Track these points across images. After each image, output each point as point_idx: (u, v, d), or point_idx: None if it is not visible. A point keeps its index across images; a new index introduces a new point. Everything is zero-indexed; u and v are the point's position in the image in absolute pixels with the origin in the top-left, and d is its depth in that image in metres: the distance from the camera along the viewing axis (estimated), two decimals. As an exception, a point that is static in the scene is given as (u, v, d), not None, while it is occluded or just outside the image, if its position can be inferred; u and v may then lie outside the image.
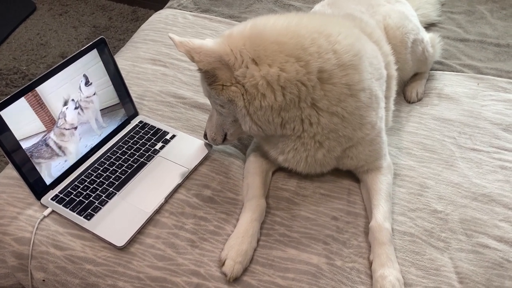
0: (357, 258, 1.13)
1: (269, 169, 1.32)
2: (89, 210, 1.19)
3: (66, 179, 1.27)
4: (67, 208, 1.20)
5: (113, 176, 1.28)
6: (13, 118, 1.14)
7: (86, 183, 1.26)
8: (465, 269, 1.11)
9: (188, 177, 1.30)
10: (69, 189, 1.24)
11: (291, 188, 1.29)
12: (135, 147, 1.37)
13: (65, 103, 1.25)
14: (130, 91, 1.45)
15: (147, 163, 1.33)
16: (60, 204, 1.20)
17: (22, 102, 1.16)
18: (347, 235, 1.18)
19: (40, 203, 1.22)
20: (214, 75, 1.09)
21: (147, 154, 1.35)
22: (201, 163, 1.34)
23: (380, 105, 1.24)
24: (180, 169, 1.31)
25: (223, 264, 1.08)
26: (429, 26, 2.03)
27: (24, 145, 1.17)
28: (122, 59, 1.74)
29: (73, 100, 1.27)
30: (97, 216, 1.18)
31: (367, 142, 1.22)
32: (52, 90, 1.22)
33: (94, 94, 1.33)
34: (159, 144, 1.38)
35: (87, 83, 1.31)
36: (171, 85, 1.62)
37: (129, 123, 1.45)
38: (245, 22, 1.18)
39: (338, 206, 1.25)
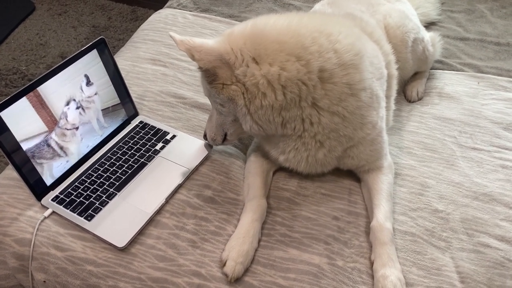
0: (358, 258, 1.13)
1: (270, 169, 1.32)
2: (89, 211, 1.19)
3: (67, 180, 1.27)
4: (67, 209, 1.19)
5: (114, 177, 1.28)
6: (14, 118, 1.14)
7: (86, 184, 1.26)
8: (466, 269, 1.11)
9: (188, 177, 1.29)
10: (69, 190, 1.24)
11: (292, 188, 1.29)
12: (136, 147, 1.37)
13: (67, 103, 1.25)
14: (130, 91, 1.45)
15: (147, 164, 1.32)
16: (60, 205, 1.20)
17: (23, 102, 1.16)
18: (348, 235, 1.18)
19: (41, 204, 1.21)
20: (214, 73, 1.09)
21: (147, 154, 1.35)
22: (201, 163, 1.34)
23: (381, 105, 1.24)
24: (180, 169, 1.31)
25: (224, 264, 1.08)
26: (429, 25, 2.03)
27: (26, 145, 1.17)
28: (122, 59, 1.73)
29: (74, 100, 1.27)
30: (97, 217, 1.18)
31: (368, 142, 1.22)
32: (54, 90, 1.22)
33: (96, 94, 1.33)
34: (160, 145, 1.38)
35: (88, 83, 1.30)
36: (171, 85, 1.62)
37: (129, 123, 1.45)
38: (246, 21, 1.18)
39: (339, 206, 1.24)
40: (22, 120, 1.16)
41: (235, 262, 1.07)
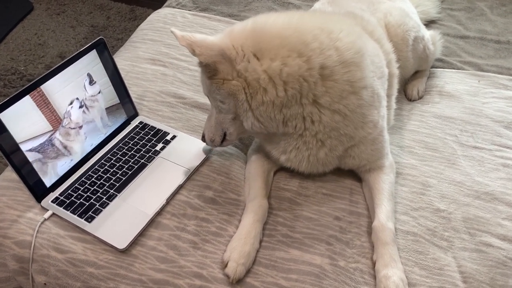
0: (360, 258, 1.12)
1: (271, 169, 1.31)
2: (90, 213, 1.18)
3: (67, 181, 1.26)
4: (67, 210, 1.19)
5: (114, 178, 1.27)
6: (15, 119, 1.13)
7: (86, 185, 1.25)
8: (468, 268, 1.11)
9: (189, 178, 1.29)
10: (69, 191, 1.24)
11: (293, 188, 1.29)
12: (136, 148, 1.36)
13: (71, 103, 1.25)
14: (130, 92, 1.44)
15: (147, 164, 1.32)
16: (60, 206, 1.20)
17: (28, 102, 1.16)
18: (350, 235, 1.17)
19: (41, 205, 1.21)
20: (215, 68, 1.08)
21: (147, 155, 1.34)
22: (202, 163, 1.33)
23: (382, 104, 1.24)
24: (181, 170, 1.30)
25: (226, 266, 1.07)
26: (429, 23, 2.02)
27: (30, 145, 1.17)
28: (121, 59, 1.73)
29: (77, 99, 1.27)
30: (98, 219, 1.17)
31: (369, 141, 1.21)
32: (57, 90, 1.22)
33: (99, 92, 1.33)
34: (160, 145, 1.37)
35: (92, 81, 1.30)
36: (171, 85, 1.61)
37: (129, 124, 1.44)
38: (246, 20, 1.17)
39: (341, 206, 1.24)
40: (26, 120, 1.16)
41: (236, 263, 1.06)
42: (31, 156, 1.17)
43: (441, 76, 1.74)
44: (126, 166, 1.30)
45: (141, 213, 1.18)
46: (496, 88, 1.67)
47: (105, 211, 1.19)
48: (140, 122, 1.45)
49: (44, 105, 1.19)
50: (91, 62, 1.30)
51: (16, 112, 1.13)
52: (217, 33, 1.16)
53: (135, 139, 1.39)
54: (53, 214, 1.19)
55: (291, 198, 1.26)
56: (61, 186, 1.25)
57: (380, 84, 1.22)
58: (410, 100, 1.65)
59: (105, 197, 1.22)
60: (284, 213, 1.22)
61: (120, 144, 1.37)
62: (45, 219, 1.18)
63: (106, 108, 1.36)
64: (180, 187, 1.26)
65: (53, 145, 1.22)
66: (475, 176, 1.34)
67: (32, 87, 1.16)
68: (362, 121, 1.16)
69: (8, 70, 2.68)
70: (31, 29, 3.04)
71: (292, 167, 1.24)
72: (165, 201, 1.21)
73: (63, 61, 1.24)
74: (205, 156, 1.34)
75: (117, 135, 1.40)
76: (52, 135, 1.22)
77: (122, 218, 1.18)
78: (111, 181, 1.26)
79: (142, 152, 1.35)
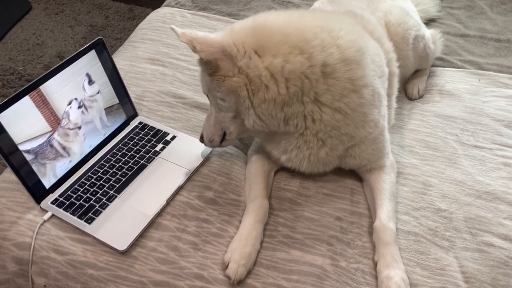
0: (361, 259, 1.12)
1: (271, 169, 1.31)
2: (89, 214, 1.17)
3: (66, 182, 1.26)
4: (67, 212, 1.18)
5: (114, 179, 1.26)
6: (15, 120, 1.12)
7: (86, 186, 1.24)
8: (470, 269, 1.11)
9: (189, 178, 1.28)
10: (69, 192, 1.23)
11: (293, 189, 1.28)
12: (135, 148, 1.35)
13: (69, 103, 1.24)
14: (129, 92, 1.44)
15: (147, 165, 1.31)
16: (60, 208, 1.19)
17: (27, 102, 1.15)
18: (351, 235, 1.17)
19: (40, 207, 1.20)
20: (216, 65, 1.07)
21: (147, 155, 1.33)
22: (202, 164, 1.32)
23: (383, 103, 1.23)
24: (181, 170, 1.29)
25: (227, 267, 1.07)
26: (428, 21, 2.01)
27: (28, 146, 1.16)
28: (120, 59, 1.72)
29: (76, 99, 1.26)
30: (98, 220, 1.16)
31: (369, 141, 1.21)
32: (56, 90, 1.21)
33: (98, 92, 1.32)
34: (160, 145, 1.37)
35: (90, 81, 1.29)
36: (171, 85, 1.61)
37: (129, 124, 1.44)
38: (246, 18, 1.17)
39: (342, 206, 1.23)
40: (26, 121, 1.15)
41: (237, 264, 1.06)
42: (29, 157, 1.16)
43: (442, 75, 1.74)
44: (126, 167, 1.30)
45: (141, 214, 1.18)
46: (497, 87, 1.66)
47: (105, 212, 1.18)
48: (140, 123, 1.44)
49: (44, 105, 1.19)
50: (90, 62, 1.29)
51: (16, 112, 1.13)
52: (217, 31, 1.16)
53: (135, 140, 1.38)
54: (53, 215, 1.18)
55: (292, 198, 1.26)
56: (60, 187, 1.24)
57: (380, 83, 1.21)
58: (411, 99, 1.65)
59: (105, 198, 1.21)
60: (285, 213, 1.21)
61: (120, 145, 1.36)
62: (44, 221, 1.17)
63: (105, 109, 1.36)
64: (180, 187, 1.25)
65: (51, 146, 1.21)
66: (476, 175, 1.33)
67: (31, 87, 1.16)
68: (363, 120, 1.15)
69: (6, 70, 2.67)
70: (30, 29, 3.03)
71: (293, 167, 1.24)
72: (165, 202, 1.21)
73: (62, 61, 1.24)
74: (205, 156, 1.33)
75: (116, 135, 1.39)
76: (50, 136, 1.21)
77: (122, 219, 1.17)
78: (111, 182, 1.26)
79: (141, 152, 1.34)
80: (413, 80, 1.68)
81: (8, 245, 1.14)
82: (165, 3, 2.14)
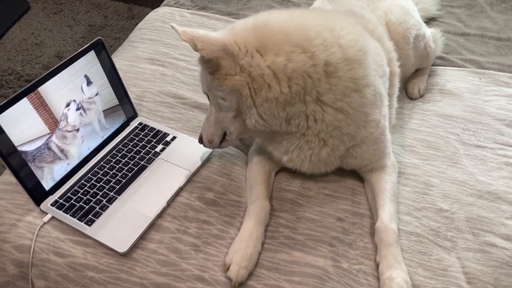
0: (363, 260, 1.11)
1: (272, 169, 1.30)
2: (89, 216, 1.17)
3: (66, 184, 1.25)
4: (67, 214, 1.17)
5: (114, 180, 1.26)
6: (13, 121, 1.11)
7: (86, 188, 1.24)
8: (472, 269, 1.10)
9: (190, 179, 1.27)
10: (68, 194, 1.22)
11: (294, 189, 1.28)
12: (135, 149, 1.35)
13: (67, 105, 1.23)
14: (129, 92, 1.43)
15: (147, 166, 1.30)
16: (60, 210, 1.18)
17: (25, 104, 1.14)
18: (352, 236, 1.16)
19: (40, 209, 1.19)
20: (217, 64, 1.06)
21: (147, 156, 1.33)
22: (202, 165, 1.32)
23: (384, 103, 1.22)
24: (181, 171, 1.29)
25: (228, 269, 1.06)
26: (429, 20, 2.01)
27: (26, 149, 1.15)
28: (120, 59, 1.71)
29: (74, 101, 1.25)
30: (98, 222, 1.16)
31: (371, 141, 1.20)
32: (55, 92, 1.20)
33: (97, 94, 1.31)
34: (160, 146, 1.36)
35: (89, 83, 1.28)
36: (170, 85, 1.60)
37: (128, 125, 1.43)
38: (247, 17, 1.16)
39: (343, 207, 1.23)
40: (24, 123, 1.14)
41: (239, 266, 1.05)
42: (27, 160, 1.16)
43: (442, 74, 1.73)
44: (126, 168, 1.29)
45: (141, 215, 1.17)
46: (498, 86, 1.66)
47: (105, 214, 1.18)
48: (140, 123, 1.43)
49: (42, 107, 1.18)
50: (88, 63, 1.28)
51: (14, 114, 1.12)
52: (217, 31, 1.15)
53: (135, 141, 1.37)
54: (53, 217, 1.18)
55: (293, 199, 1.25)
56: (60, 189, 1.23)
57: (381, 83, 1.21)
58: (411, 98, 1.64)
59: (105, 200, 1.21)
60: (286, 214, 1.21)
61: (120, 146, 1.36)
62: (44, 223, 1.16)
63: (104, 111, 1.34)
64: (181, 189, 1.25)
65: (49, 148, 1.20)
66: (478, 175, 1.33)
67: (29, 89, 1.15)
68: (364, 120, 1.14)
69: (5, 70, 2.66)
70: (28, 29, 3.02)
71: (294, 167, 1.23)
72: (165, 203, 1.20)
73: (61, 62, 1.22)
74: (205, 157, 1.32)
75: (116, 136, 1.38)
76: (48, 138, 1.20)
77: (123, 221, 1.16)
78: (111, 183, 1.25)
79: (142, 153, 1.33)
80: (413, 80, 1.67)
81: (8, 247, 1.13)
82: (164, 2, 2.13)
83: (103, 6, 3.24)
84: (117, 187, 1.24)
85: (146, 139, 1.38)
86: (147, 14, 2.07)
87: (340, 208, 1.23)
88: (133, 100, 1.45)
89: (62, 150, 1.23)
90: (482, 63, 1.78)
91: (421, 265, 1.11)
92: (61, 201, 1.20)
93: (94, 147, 1.33)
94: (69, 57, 1.24)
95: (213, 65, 1.06)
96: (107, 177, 1.27)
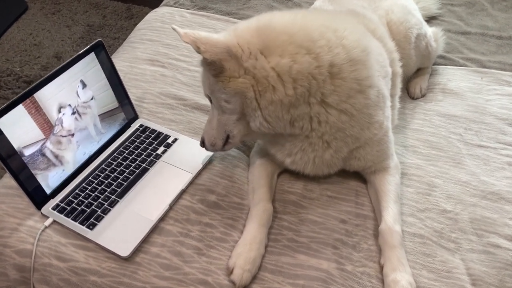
0: (367, 262, 1.11)
1: (274, 171, 1.29)
2: (91, 219, 1.16)
3: (67, 187, 1.24)
4: (68, 217, 1.16)
5: (115, 183, 1.25)
6: (11, 126, 1.10)
7: (87, 191, 1.23)
8: (477, 271, 1.10)
9: (192, 182, 1.26)
10: (70, 197, 1.21)
11: (297, 191, 1.27)
12: (136, 152, 1.34)
13: (60, 109, 1.21)
14: (129, 94, 1.42)
15: (149, 169, 1.29)
16: (61, 213, 1.17)
17: (20, 109, 1.12)
18: (356, 238, 1.16)
19: (41, 213, 1.18)
20: (220, 66, 1.04)
21: (149, 159, 1.32)
22: (204, 167, 1.31)
23: (387, 104, 1.22)
24: (183, 174, 1.28)
25: (231, 272, 1.06)
26: (429, 19, 1.99)
27: (25, 153, 1.14)
28: (119, 60, 1.70)
29: (69, 105, 1.23)
30: (100, 226, 1.15)
31: (374, 143, 1.19)
32: (50, 96, 1.18)
33: (92, 99, 1.30)
34: (161, 149, 1.35)
35: (84, 87, 1.27)
36: (171, 86, 1.59)
37: (129, 127, 1.42)
38: (249, 19, 1.15)
39: (346, 209, 1.22)
40: (20, 128, 1.12)
41: (242, 270, 1.05)
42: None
43: (444, 73, 1.73)
44: (127, 171, 1.28)
45: (143, 219, 1.16)
46: (499, 85, 1.65)
47: (107, 217, 1.17)
48: (141, 125, 1.42)
49: (37, 112, 1.15)
50: (86, 65, 1.26)
51: (11, 119, 1.10)
52: (217, 32, 1.14)
53: (136, 143, 1.36)
54: (54, 221, 1.17)
55: (296, 201, 1.24)
56: (61, 193, 1.22)
57: (384, 83, 1.20)
58: (413, 98, 1.63)
59: (106, 203, 1.20)
60: (289, 216, 1.20)
61: (121, 148, 1.35)
62: (45, 227, 1.15)
63: (100, 115, 1.32)
64: (183, 191, 1.24)
65: (43, 155, 1.18)
66: (481, 175, 1.32)
67: (27, 94, 1.13)
68: (368, 122, 1.14)
69: (3, 71, 2.64)
70: (26, 29, 3.00)
71: (297, 169, 1.22)
72: (168, 206, 1.19)
73: (60, 66, 1.20)
74: (207, 159, 1.32)
75: (115, 140, 1.37)
76: (43, 144, 1.17)
77: (125, 225, 1.15)
78: (112, 186, 1.24)
79: (143, 156, 1.32)
80: (415, 79, 1.66)
81: (9, 252, 1.12)
82: (163, 2, 2.12)
83: (102, 6, 3.22)
84: (119, 190, 1.23)
85: (147, 141, 1.37)
86: (146, 13, 2.06)
87: (343, 210, 1.22)
88: (133, 102, 1.44)
89: (56, 156, 1.21)
90: (484, 62, 1.77)
91: (425, 267, 1.10)
92: (62, 204, 1.19)
93: (91, 153, 1.30)
94: (68, 60, 1.22)
95: (216, 68, 1.04)
96: (109, 180, 1.26)
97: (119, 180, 1.26)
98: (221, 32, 1.11)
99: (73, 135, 1.25)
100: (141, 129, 1.41)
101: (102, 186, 1.24)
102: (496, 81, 1.67)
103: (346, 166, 1.25)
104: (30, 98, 1.14)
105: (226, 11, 2.03)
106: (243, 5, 2.08)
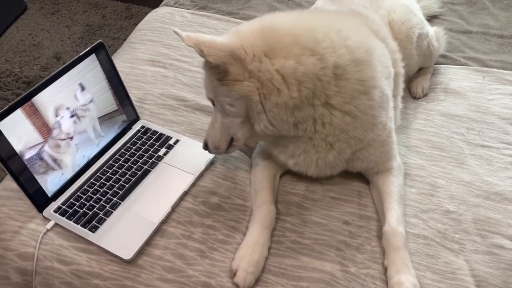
0: (371, 264, 1.10)
1: (277, 172, 1.28)
2: (93, 222, 1.15)
3: (68, 190, 1.23)
4: (70, 220, 1.16)
5: (117, 185, 1.24)
6: (11, 128, 1.09)
7: (89, 193, 1.22)
8: (481, 272, 1.09)
9: (194, 184, 1.26)
10: (71, 200, 1.20)
11: (300, 192, 1.26)
12: (138, 153, 1.33)
13: (57, 112, 1.19)
14: (130, 95, 1.41)
15: (151, 170, 1.29)
16: (63, 216, 1.17)
17: (18, 114, 1.11)
18: (360, 240, 1.15)
19: (42, 216, 1.18)
20: (224, 70, 1.03)
21: (150, 160, 1.31)
22: (206, 168, 1.30)
23: (390, 105, 1.21)
24: (185, 175, 1.27)
25: (235, 275, 1.05)
26: (430, 18, 1.99)
27: (25, 156, 1.13)
28: (120, 61, 1.69)
29: (68, 108, 1.22)
30: (102, 228, 1.14)
31: (378, 144, 1.19)
32: (49, 99, 1.17)
33: (91, 101, 1.28)
34: (163, 150, 1.34)
35: (83, 90, 1.25)
36: (172, 87, 1.58)
37: (131, 128, 1.41)
38: (251, 20, 1.14)
39: (349, 210, 1.22)
40: (18, 131, 1.11)
41: (246, 272, 1.04)
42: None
43: (445, 73, 1.72)
44: (129, 173, 1.27)
45: (146, 221, 1.15)
46: (501, 84, 1.64)
47: (109, 220, 1.16)
48: (142, 127, 1.41)
49: (34, 115, 1.14)
50: (86, 67, 1.25)
51: (10, 122, 1.10)
52: (217, 32, 1.13)
53: (137, 144, 1.36)
54: (56, 224, 1.16)
55: (299, 202, 1.24)
56: (63, 195, 1.22)
57: (387, 84, 1.20)
58: (415, 98, 1.63)
59: (108, 206, 1.19)
60: (292, 218, 1.20)
61: (122, 150, 1.34)
62: (47, 230, 1.15)
63: (99, 117, 1.31)
64: (185, 193, 1.23)
65: (41, 159, 1.16)
66: (484, 175, 1.32)
67: (27, 97, 1.12)
68: (371, 123, 1.13)
69: (3, 72, 2.63)
70: (25, 30, 2.99)
71: (300, 171, 1.22)
72: (170, 208, 1.18)
73: (60, 68, 1.19)
74: (209, 160, 1.31)
75: (117, 142, 1.36)
76: (41, 148, 1.16)
77: (127, 227, 1.15)
78: (114, 188, 1.23)
79: (145, 157, 1.32)
80: (416, 79, 1.66)
81: (11, 255, 1.12)
82: (163, 2, 2.11)
83: (101, 5, 3.21)
84: (121, 192, 1.22)
85: (149, 142, 1.36)
86: (145, 13, 2.05)
87: (346, 211, 1.21)
88: (134, 103, 1.43)
89: (55, 160, 1.19)
90: (485, 61, 1.76)
91: (429, 268, 1.10)
92: (64, 207, 1.19)
93: (91, 156, 1.29)
94: (68, 63, 1.21)
95: (220, 71, 1.03)
96: (110, 182, 1.25)
97: (121, 182, 1.25)
98: (224, 35, 1.10)
99: (72, 138, 1.24)
100: (142, 130, 1.40)
101: (104, 188, 1.23)
102: (498, 81, 1.66)
103: (349, 167, 1.25)
104: (29, 104, 1.13)
105: (227, 11, 2.02)
106: (243, 5, 2.07)
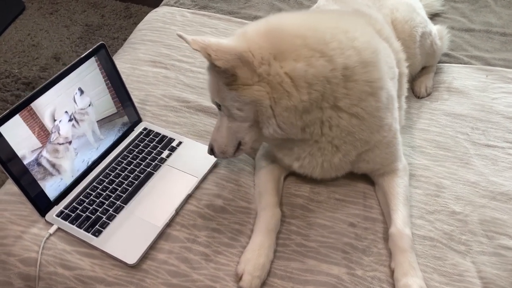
0: (378, 267, 1.09)
1: (281, 174, 1.27)
2: (96, 226, 1.14)
3: (71, 193, 1.22)
4: (73, 224, 1.15)
5: (120, 188, 1.23)
6: (11, 131, 1.08)
7: (92, 197, 1.21)
8: (488, 273, 1.08)
9: (197, 186, 1.25)
10: (74, 204, 1.19)
11: (304, 194, 1.25)
12: (141, 156, 1.32)
13: (53, 116, 1.17)
14: (132, 96, 1.39)
15: (154, 173, 1.27)
16: (65, 220, 1.15)
17: (16, 119, 1.09)
18: (366, 242, 1.14)
19: (45, 220, 1.16)
20: (233, 74, 1.01)
21: (153, 163, 1.30)
22: (210, 170, 1.29)
23: (395, 106, 1.20)
24: (189, 178, 1.26)
25: (240, 279, 1.04)
26: (433, 16, 1.98)
27: (25, 160, 1.11)
28: (121, 62, 1.67)
29: (66, 112, 1.20)
30: (105, 232, 1.13)
31: (383, 145, 1.17)
32: (47, 103, 1.15)
33: (90, 105, 1.26)
34: (166, 152, 1.33)
35: (82, 94, 1.24)
36: (174, 88, 1.56)
37: (133, 130, 1.40)
38: (256, 21, 1.12)
39: (355, 212, 1.21)
40: (17, 136, 1.10)
41: (251, 276, 1.03)
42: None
43: (449, 72, 1.71)
44: (132, 176, 1.26)
45: (150, 225, 1.14)
46: (505, 83, 1.63)
47: (112, 224, 1.15)
48: (144, 129, 1.40)
49: (32, 120, 1.12)
50: (86, 69, 1.24)
51: (12, 126, 1.08)
52: (218, 32, 1.11)
53: (140, 147, 1.34)
54: (58, 228, 1.15)
55: (304, 204, 1.23)
56: (65, 199, 1.20)
57: (392, 85, 1.18)
58: (418, 97, 1.62)
59: (111, 209, 1.18)
60: (297, 221, 1.18)
61: (125, 152, 1.32)
62: (50, 234, 1.13)
63: (99, 121, 1.29)
64: (189, 196, 1.22)
65: (39, 164, 1.14)
66: (490, 175, 1.31)
67: (25, 103, 1.11)
68: (378, 125, 1.12)
69: (2, 73, 2.61)
70: (24, 30, 2.97)
71: (305, 173, 1.21)
72: (174, 211, 1.17)
73: (60, 72, 1.18)
74: (213, 162, 1.30)
75: (119, 144, 1.35)
76: (39, 153, 1.14)
77: (131, 231, 1.14)
78: (117, 192, 1.22)
79: (147, 160, 1.30)
80: (420, 78, 1.65)
81: (14, 261, 1.10)
82: (163, 2, 2.09)
83: (100, 5, 3.19)
84: (124, 195, 1.21)
85: (152, 144, 1.35)
86: (144, 12, 2.04)
87: (351, 213, 1.20)
88: (136, 104, 1.42)
89: (53, 165, 1.17)
90: (488, 60, 1.75)
91: (436, 270, 1.09)
92: (66, 211, 1.17)
93: (90, 160, 1.27)
94: (68, 66, 1.19)
95: (228, 76, 1.01)
96: (113, 185, 1.24)
97: (123, 185, 1.24)
98: (229, 37, 1.07)
99: (70, 142, 1.22)
100: (145, 132, 1.39)
101: (107, 192, 1.22)
102: (501, 79, 1.65)
103: (354, 169, 1.23)
104: (27, 109, 1.11)
105: (228, 10, 2.00)
106: (244, 4, 2.06)
